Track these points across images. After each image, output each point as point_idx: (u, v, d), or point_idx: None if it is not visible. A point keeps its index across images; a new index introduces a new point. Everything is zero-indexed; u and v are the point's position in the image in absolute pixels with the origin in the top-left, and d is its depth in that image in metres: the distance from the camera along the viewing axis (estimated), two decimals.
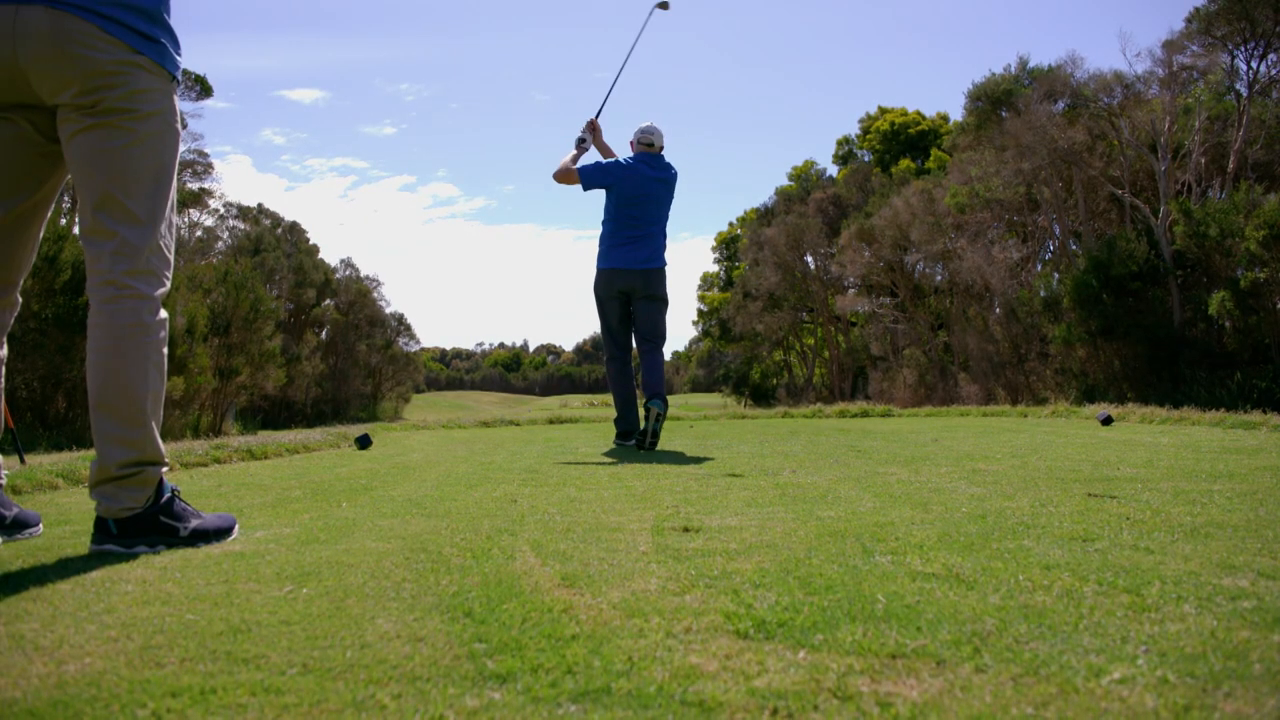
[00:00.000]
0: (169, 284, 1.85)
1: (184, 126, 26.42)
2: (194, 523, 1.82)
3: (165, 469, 1.82)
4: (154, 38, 1.77)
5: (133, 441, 1.74)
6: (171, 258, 1.85)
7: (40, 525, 2.02)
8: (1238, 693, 0.88)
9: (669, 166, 4.74)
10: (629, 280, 4.63)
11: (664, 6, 5.06)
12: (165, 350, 1.81)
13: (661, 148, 4.77)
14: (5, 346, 1.96)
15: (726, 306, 38.49)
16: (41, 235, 1.97)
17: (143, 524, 1.74)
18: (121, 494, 1.73)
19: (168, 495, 1.81)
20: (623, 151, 4.91)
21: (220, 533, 1.86)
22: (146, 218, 1.77)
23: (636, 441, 4.28)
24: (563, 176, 4.70)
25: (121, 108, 1.73)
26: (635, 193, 4.62)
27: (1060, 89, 18.92)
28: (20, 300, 1.98)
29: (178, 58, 1.85)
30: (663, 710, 0.88)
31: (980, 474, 2.81)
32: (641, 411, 4.43)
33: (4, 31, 1.65)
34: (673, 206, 4.80)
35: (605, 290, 4.70)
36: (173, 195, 1.85)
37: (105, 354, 1.73)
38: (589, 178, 4.66)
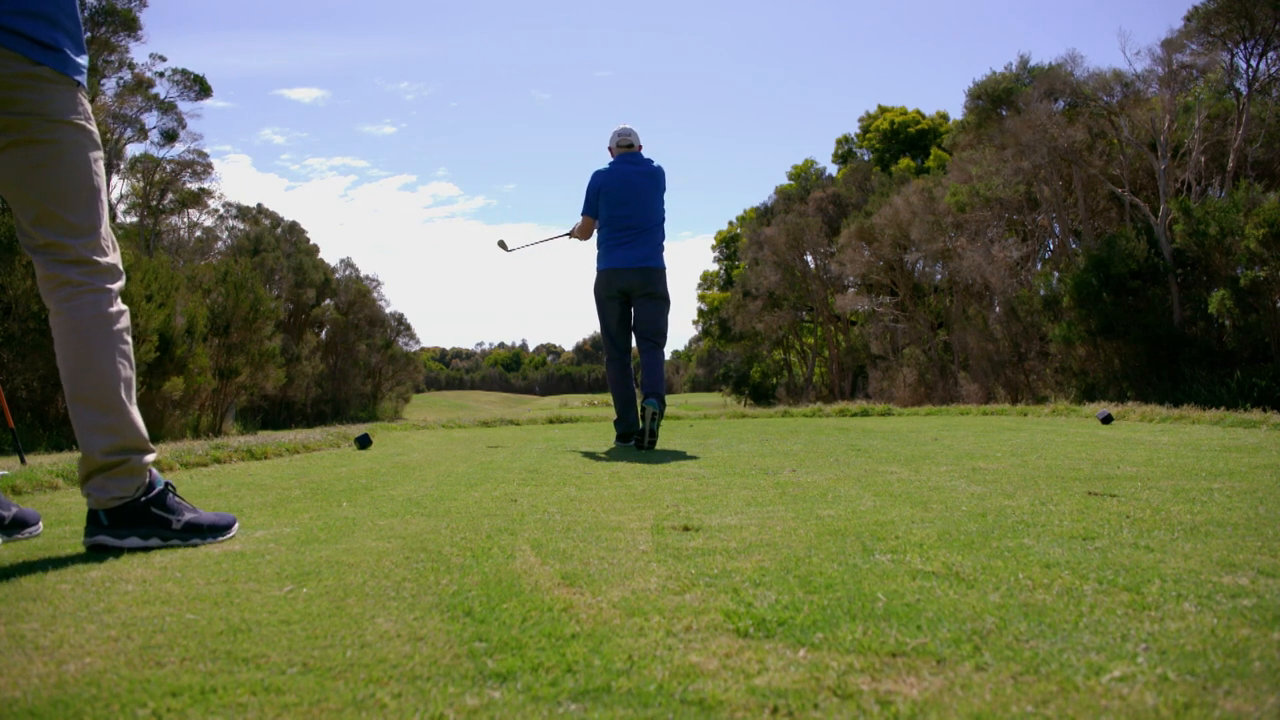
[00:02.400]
0: (124, 278, 1.87)
1: (183, 127, 26.47)
2: (188, 516, 1.82)
3: (151, 457, 1.82)
4: (53, 45, 1.73)
5: (112, 427, 1.75)
6: (118, 252, 1.86)
7: (40, 524, 2.01)
8: (1238, 690, 0.88)
9: (650, 161, 4.78)
10: (628, 279, 4.64)
11: (503, 246, 5.35)
12: (130, 340, 1.83)
13: (640, 146, 4.83)
14: None
15: (726, 305, 38.51)
16: None
17: (134, 514, 1.75)
18: (110, 484, 1.74)
19: (160, 488, 1.81)
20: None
21: (216, 529, 1.85)
22: (87, 225, 1.78)
23: (635, 442, 4.28)
24: (583, 231, 4.90)
25: (31, 123, 1.70)
26: (622, 192, 4.68)
27: (1060, 87, 18.92)
28: None
29: (81, 60, 1.81)
30: (663, 709, 0.88)
31: (980, 472, 2.81)
32: (640, 411, 4.44)
33: None
34: (671, 204, 4.82)
35: (605, 290, 4.71)
36: (105, 191, 1.85)
37: (73, 347, 1.75)
38: (589, 205, 4.82)
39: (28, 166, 1.72)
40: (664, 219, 4.78)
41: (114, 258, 1.83)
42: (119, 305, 1.81)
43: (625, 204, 4.66)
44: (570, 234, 4.98)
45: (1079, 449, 3.54)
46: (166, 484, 1.85)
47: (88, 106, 1.83)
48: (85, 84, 1.82)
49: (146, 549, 1.75)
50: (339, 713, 0.89)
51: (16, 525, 1.94)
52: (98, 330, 1.76)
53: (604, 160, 4.89)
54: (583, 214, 4.85)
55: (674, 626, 1.14)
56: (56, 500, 2.70)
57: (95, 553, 1.73)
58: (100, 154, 1.85)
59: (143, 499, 1.77)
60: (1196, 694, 0.87)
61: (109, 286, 1.80)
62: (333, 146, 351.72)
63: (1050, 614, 1.15)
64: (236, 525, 1.94)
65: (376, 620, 1.21)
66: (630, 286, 4.66)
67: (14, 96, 1.67)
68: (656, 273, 4.67)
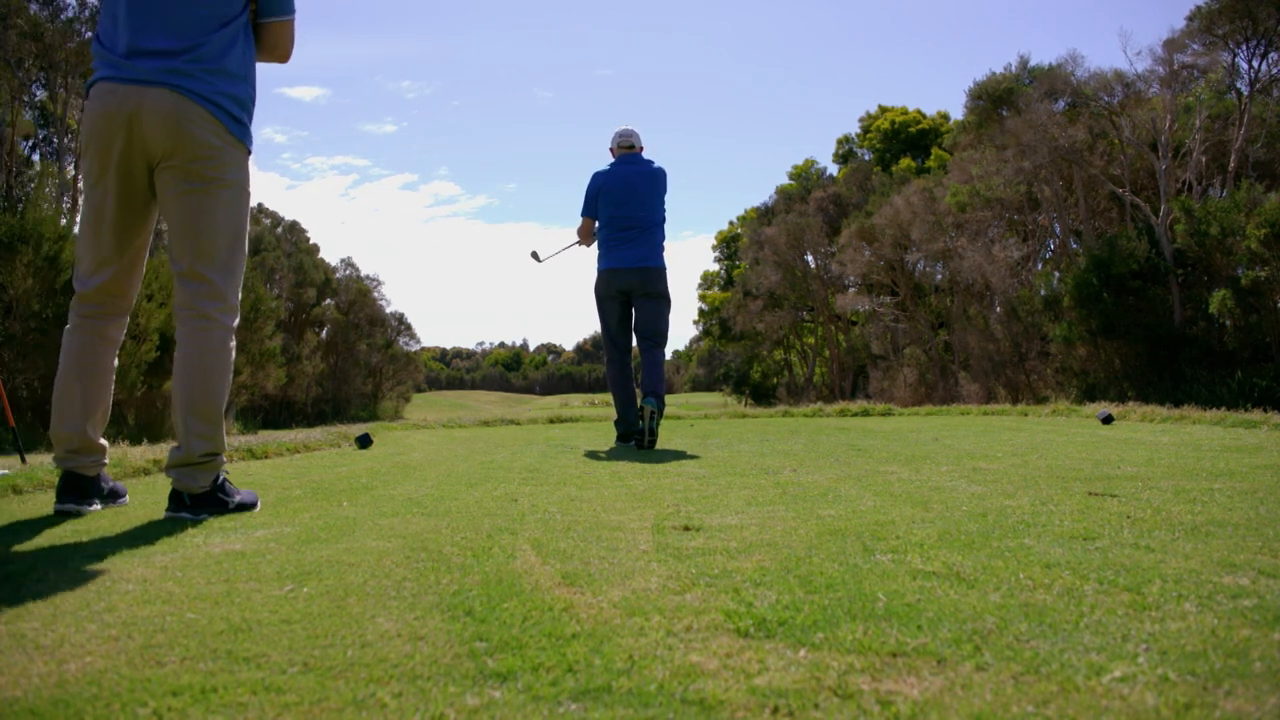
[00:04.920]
0: (239, 316, 2.34)
1: None
2: (237, 497, 2.32)
3: (224, 457, 2.30)
4: (242, 120, 2.26)
5: (211, 437, 2.24)
6: (240, 293, 2.32)
7: (127, 496, 2.52)
8: (1238, 691, 0.88)
9: (650, 162, 4.78)
10: (627, 279, 4.65)
11: (535, 257, 5.31)
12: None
13: (641, 148, 4.84)
14: (116, 359, 2.38)
15: (727, 305, 38.46)
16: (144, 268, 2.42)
17: (208, 499, 2.24)
18: (199, 475, 2.22)
19: (222, 478, 2.30)
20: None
21: (252, 504, 2.35)
22: (230, 266, 2.27)
23: (635, 441, 4.29)
24: (583, 233, 4.90)
25: (215, 177, 2.19)
26: (620, 193, 4.70)
27: (1061, 88, 18.91)
28: (127, 320, 2.42)
29: (252, 134, 2.33)
30: (663, 709, 0.88)
31: (981, 472, 2.81)
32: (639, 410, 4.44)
33: (133, 103, 2.11)
34: (671, 204, 4.81)
35: (604, 290, 4.74)
36: (246, 243, 2.34)
37: (200, 370, 2.21)
38: (589, 206, 4.83)
39: (204, 211, 2.19)
40: (664, 219, 4.78)
41: (237, 299, 2.31)
42: (234, 341, 2.30)
43: (624, 204, 4.67)
44: (579, 242, 4.98)
45: (1079, 449, 3.54)
46: (224, 473, 2.33)
47: (250, 170, 2.33)
48: (252, 152, 2.34)
49: (208, 519, 2.20)
50: (339, 712, 0.89)
51: (114, 495, 2.44)
52: (220, 361, 2.24)
53: (606, 159, 4.90)
54: (582, 215, 4.86)
55: (674, 626, 1.14)
56: None
57: (174, 523, 2.12)
58: (249, 209, 2.34)
59: (214, 486, 2.26)
60: (1197, 694, 0.87)
61: (232, 324, 2.28)
62: (334, 145, 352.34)
63: (1051, 614, 1.15)
64: (259, 501, 2.41)
65: (377, 620, 1.21)
66: (629, 286, 4.66)
67: (209, 154, 2.17)
68: (655, 272, 4.67)
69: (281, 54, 2.43)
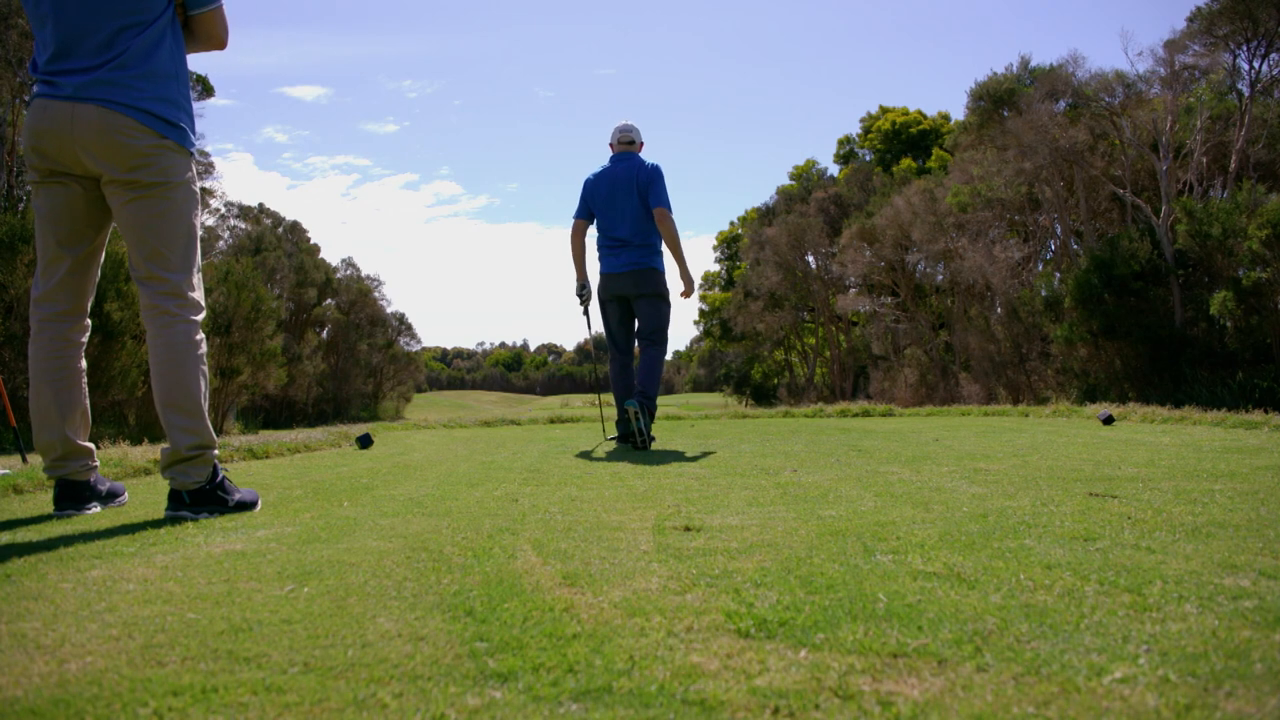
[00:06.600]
0: (205, 311, 2.34)
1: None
2: (237, 495, 2.34)
3: (216, 452, 2.31)
4: (177, 123, 2.26)
5: (195, 429, 2.25)
6: (202, 290, 2.34)
7: (126, 494, 2.56)
8: (1239, 692, 0.88)
9: (641, 161, 4.68)
10: (619, 284, 4.69)
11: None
12: (206, 360, 2.33)
13: (641, 144, 4.83)
14: (84, 361, 2.40)
15: (728, 306, 38.45)
16: (99, 272, 2.43)
17: (206, 495, 2.26)
18: (191, 471, 2.24)
19: (220, 477, 2.31)
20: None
21: (252, 504, 2.37)
22: (184, 264, 2.29)
23: (632, 442, 4.30)
24: (572, 233, 4.82)
25: (155, 182, 2.22)
26: (605, 198, 4.71)
27: (1062, 88, 18.89)
28: (90, 323, 2.43)
29: (194, 136, 2.35)
30: (664, 709, 0.88)
31: (981, 473, 2.81)
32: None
33: (65, 122, 2.15)
34: (673, 204, 4.71)
35: (603, 294, 4.81)
36: (199, 239, 2.36)
37: (169, 365, 2.24)
38: (580, 208, 4.82)
39: (150, 216, 2.22)
40: (650, 219, 4.71)
41: (200, 294, 2.33)
42: (201, 334, 2.32)
43: (608, 210, 4.69)
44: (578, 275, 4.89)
45: (1080, 450, 3.54)
46: (223, 472, 2.34)
47: (195, 171, 2.36)
48: (195, 154, 2.35)
49: (209, 518, 2.21)
50: (340, 712, 0.89)
51: (112, 495, 2.47)
52: (188, 353, 2.25)
53: (608, 157, 4.89)
54: (574, 217, 4.87)
55: (675, 627, 1.14)
56: None
57: (174, 523, 2.13)
58: (200, 209, 2.36)
59: (212, 484, 2.27)
60: (1198, 695, 0.87)
61: (195, 319, 2.30)
62: (335, 145, 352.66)
63: (1051, 615, 1.15)
64: (260, 500, 2.42)
65: (378, 620, 1.21)
66: (624, 290, 4.68)
67: (146, 162, 2.20)
68: (646, 274, 4.65)
69: (217, 42, 2.42)
